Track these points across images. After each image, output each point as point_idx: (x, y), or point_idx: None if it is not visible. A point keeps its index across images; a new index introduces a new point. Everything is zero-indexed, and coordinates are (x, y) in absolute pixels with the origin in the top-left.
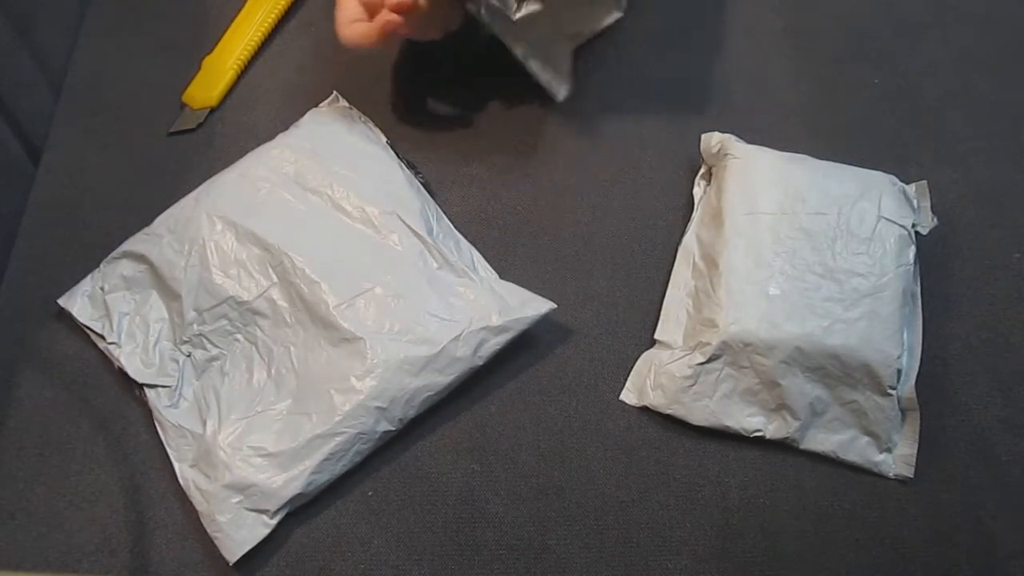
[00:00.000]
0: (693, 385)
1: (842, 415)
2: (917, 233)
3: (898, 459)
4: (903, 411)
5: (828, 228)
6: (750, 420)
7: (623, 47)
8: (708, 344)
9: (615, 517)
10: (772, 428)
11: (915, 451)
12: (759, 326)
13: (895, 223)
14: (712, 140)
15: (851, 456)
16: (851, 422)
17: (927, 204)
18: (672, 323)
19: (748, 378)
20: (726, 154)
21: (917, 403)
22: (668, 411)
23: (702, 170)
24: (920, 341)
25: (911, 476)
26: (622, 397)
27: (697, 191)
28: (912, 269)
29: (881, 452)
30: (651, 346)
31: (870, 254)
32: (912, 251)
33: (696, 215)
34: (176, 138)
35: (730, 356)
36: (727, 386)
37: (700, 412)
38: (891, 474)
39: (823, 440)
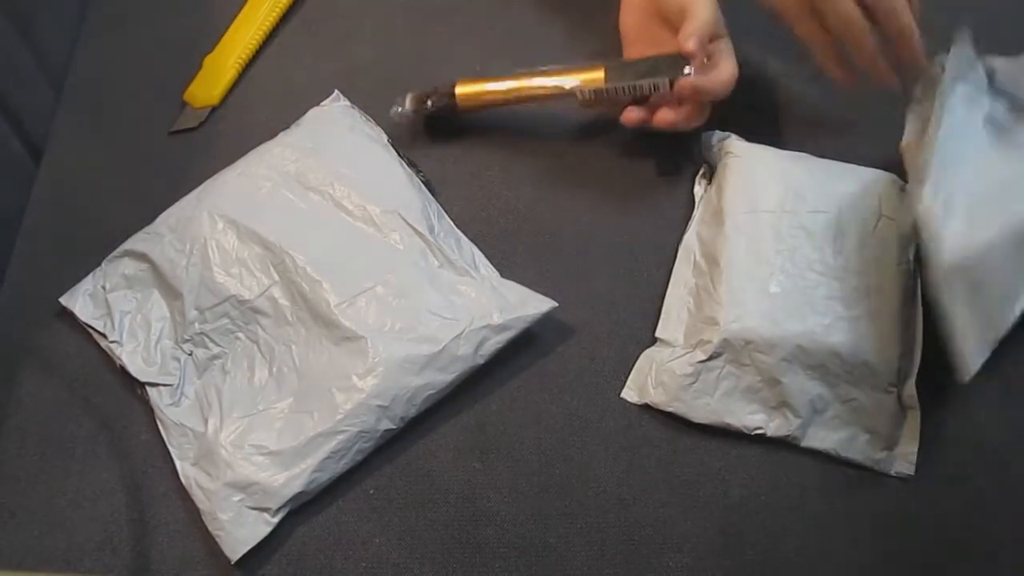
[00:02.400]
0: (694, 383)
1: (843, 413)
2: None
3: (899, 457)
4: (904, 409)
5: (829, 226)
6: (751, 418)
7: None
8: (709, 342)
9: (616, 515)
10: (773, 426)
11: (916, 449)
12: (760, 324)
13: (896, 221)
14: (712, 139)
15: (852, 454)
16: (852, 420)
17: None
18: (673, 321)
19: (749, 376)
20: (727, 153)
21: (917, 401)
22: (669, 409)
23: (702, 169)
24: (921, 339)
25: (912, 474)
26: (623, 395)
27: (698, 190)
28: (913, 267)
29: (882, 450)
30: (652, 344)
31: (871, 252)
32: (913, 249)
33: (697, 214)
34: (177, 137)
35: (731, 354)
36: (728, 384)
37: (701, 410)
38: (892, 472)
39: (824, 438)
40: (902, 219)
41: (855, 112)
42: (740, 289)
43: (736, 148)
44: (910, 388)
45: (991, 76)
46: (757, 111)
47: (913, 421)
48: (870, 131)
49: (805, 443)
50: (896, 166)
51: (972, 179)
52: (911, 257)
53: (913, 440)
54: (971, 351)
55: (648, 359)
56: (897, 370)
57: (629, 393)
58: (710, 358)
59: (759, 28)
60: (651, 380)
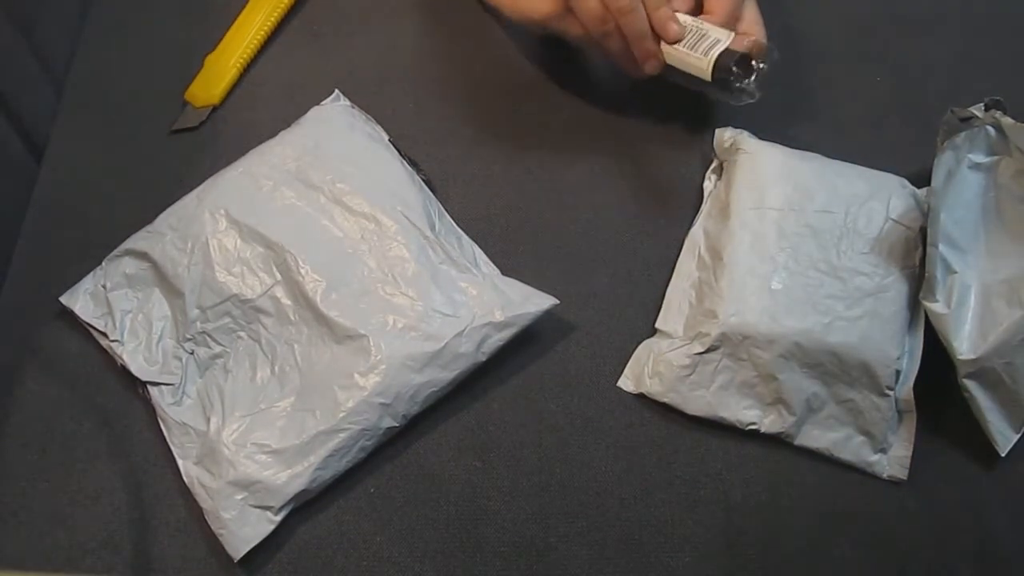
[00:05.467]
0: (690, 375)
1: (838, 413)
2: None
3: (892, 460)
4: (900, 412)
5: (835, 226)
6: (746, 413)
7: None
8: (707, 335)
9: (617, 514)
10: (767, 422)
11: (910, 453)
12: (759, 319)
13: (903, 225)
14: (725, 135)
15: (845, 455)
16: (847, 420)
17: None
18: (674, 313)
19: (746, 371)
20: (738, 149)
21: (914, 405)
22: (664, 399)
23: (714, 164)
24: (922, 344)
25: (904, 479)
26: (619, 384)
27: (707, 185)
28: (918, 272)
29: (876, 452)
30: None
31: (876, 254)
32: (919, 254)
33: (704, 208)
34: (178, 136)
35: (728, 348)
36: (724, 377)
37: (696, 402)
38: (885, 475)
39: (818, 437)
40: (910, 223)
41: (868, 115)
42: (741, 284)
43: (747, 145)
44: (908, 391)
45: (1000, 134)
46: (771, 109)
47: (909, 425)
48: (882, 134)
49: (799, 441)
50: (906, 169)
51: (979, 271)
52: (916, 261)
53: (908, 444)
54: (1002, 433)
55: (646, 349)
56: (895, 372)
57: (625, 382)
58: (707, 351)
59: (774, 28)
60: (648, 370)
